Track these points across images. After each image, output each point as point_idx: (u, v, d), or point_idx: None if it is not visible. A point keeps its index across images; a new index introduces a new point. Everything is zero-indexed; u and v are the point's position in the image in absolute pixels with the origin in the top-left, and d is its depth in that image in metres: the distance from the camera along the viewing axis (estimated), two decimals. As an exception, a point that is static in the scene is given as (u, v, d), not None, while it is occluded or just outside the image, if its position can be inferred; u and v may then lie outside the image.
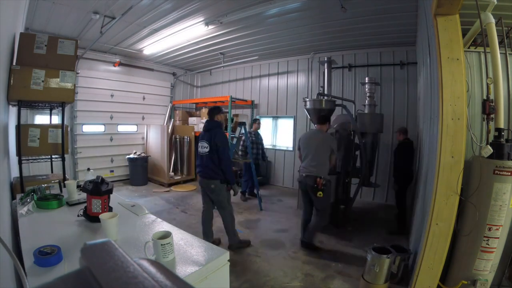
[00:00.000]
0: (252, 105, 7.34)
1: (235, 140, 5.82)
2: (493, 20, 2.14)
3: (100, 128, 6.68)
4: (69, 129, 3.37)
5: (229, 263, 1.25)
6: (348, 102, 4.57)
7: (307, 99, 4.20)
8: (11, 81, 2.39)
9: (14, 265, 0.81)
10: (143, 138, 7.52)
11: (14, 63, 2.48)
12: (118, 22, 4.41)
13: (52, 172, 3.26)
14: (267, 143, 6.65)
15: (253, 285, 2.67)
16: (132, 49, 6.27)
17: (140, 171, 6.71)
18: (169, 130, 7.07)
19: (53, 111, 3.48)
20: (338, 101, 4.30)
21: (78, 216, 1.59)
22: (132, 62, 7.09)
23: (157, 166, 6.90)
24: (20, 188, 2.40)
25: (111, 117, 6.82)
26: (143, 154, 6.85)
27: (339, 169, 4.12)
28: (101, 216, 1.32)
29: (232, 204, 3.52)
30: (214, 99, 7.30)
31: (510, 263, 2.28)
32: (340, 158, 4.06)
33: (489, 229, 2.05)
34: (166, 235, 1.15)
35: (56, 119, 4.12)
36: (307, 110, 4.20)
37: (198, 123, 7.22)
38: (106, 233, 1.32)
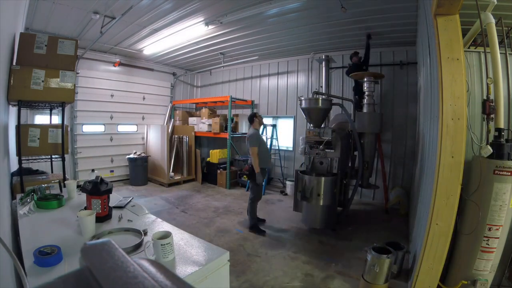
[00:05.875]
0: (252, 105, 7.34)
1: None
2: (493, 20, 2.14)
3: (100, 128, 6.68)
4: (69, 129, 3.37)
5: (229, 263, 1.25)
6: (347, 102, 4.55)
7: (303, 98, 3.97)
8: (11, 81, 2.39)
9: (14, 265, 0.81)
10: (143, 138, 7.51)
11: (14, 63, 2.48)
12: (118, 22, 4.40)
13: (52, 172, 3.26)
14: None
15: (253, 285, 2.67)
16: (132, 49, 6.26)
17: (140, 171, 6.71)
18: (169, 130, 7.07)
19: (53, 111, 3.48)
20: (336, 100, 4.28)
21: (77, 216, 1.59)
22: (132, 62, 7.09)
23: (157, 166, 6.90)
24: (20, 188, 2.40)
25: (111, 117, 6.82)
26: (143, 154, 6.85)
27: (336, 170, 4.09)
28: (79, 214, 1.38)
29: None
30: (214, 99, 7.30)
31: (510, 263, 2.28)
32: (338, 159, 4.01)
33: (489, 229, 2.05)
34: (166, 235, 1.15)
35: (56, 119, 4.12)
36: (303, 109, 3.99)
37: (198, 123, 7.22)
38: (82, 230, 1.36)
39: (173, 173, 7.01)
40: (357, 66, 4.94)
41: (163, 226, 1.56)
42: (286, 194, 6.06)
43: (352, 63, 5.13)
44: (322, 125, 4.05)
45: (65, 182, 2.18)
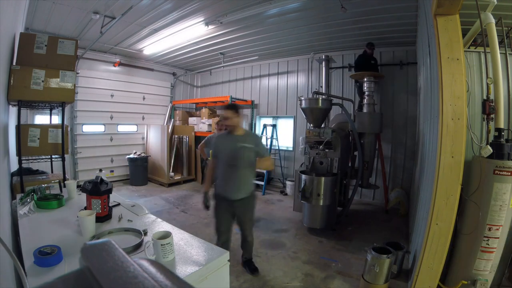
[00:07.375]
0: (252, 105, 7.34)
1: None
2: (493, 20, 2.14)
3: (100, 128, 6.68)
4: (69, 129, 3.37)
5: (229, 263, 1.25)
6: (347, 102, 4.55)
7: (303, 98, 3.99)
8: (11, 81, 2.39)
9: (14, 265, 0.81)
10: (143, 138, 7.51)
11: (14, 63, 2.48)
12: (118, 22, 4.40)
13: (52, 172, 3.26)
14: (264, 142, 6.68)
15: (253, 285, 2.67)
16: (132, 49, 6.26)
17: (140, 171, 6.71)
18: (169, 130, 7.06)
19: (53, 111, 3.48)
20: (336, 101, 4.27)
21: (77, 216, 1.59)
22: (132, 62, 7.09)
23: (157, 166, 6.89)
24: (20, 188, 2.40)
25: (111, 117, 6.81)
26: (143, 154, 6.84)
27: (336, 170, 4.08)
28: (79, 214, 1.38)
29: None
30: (214, 99, 7.30)
31: (510, 263, 2.28)
32: (338, 159, 4.01)
33: (489, 229, 2.05)
34: (166, 235, 1.15)
35: (56, 119, 4.12)
36: (303, 109, 4.00)
37: (198, 123, 7.22)
38: (82, 230, 1.36)
39: (173, 173, 7.01)
40: (365, 59, 4.78)
41: (163, 226, 1.56)
42: (286, 194, 6.06)
43: (362, 54, 4.87)
44: (322, 125, 4.05)
45: (65, 182, 2.18)
